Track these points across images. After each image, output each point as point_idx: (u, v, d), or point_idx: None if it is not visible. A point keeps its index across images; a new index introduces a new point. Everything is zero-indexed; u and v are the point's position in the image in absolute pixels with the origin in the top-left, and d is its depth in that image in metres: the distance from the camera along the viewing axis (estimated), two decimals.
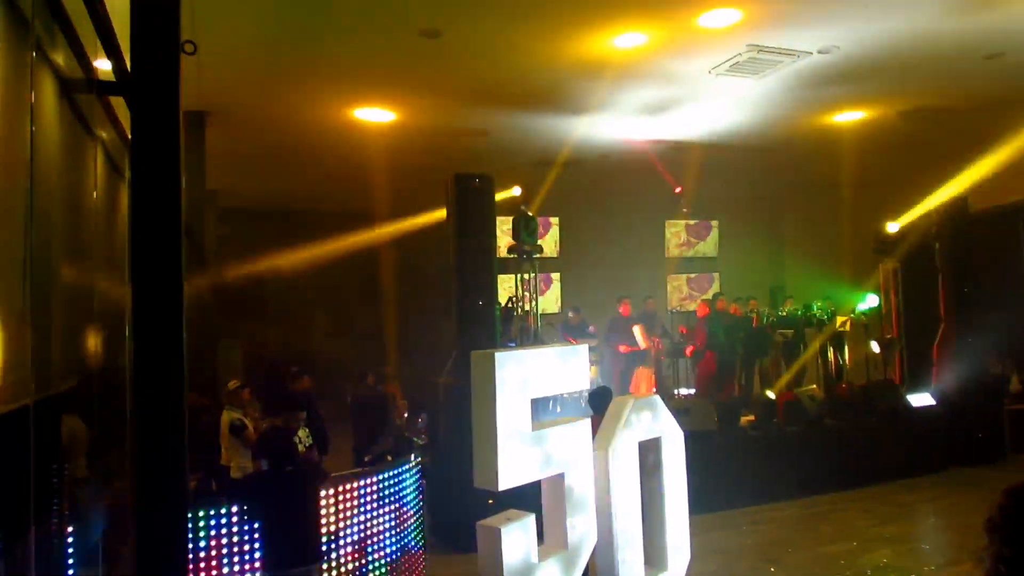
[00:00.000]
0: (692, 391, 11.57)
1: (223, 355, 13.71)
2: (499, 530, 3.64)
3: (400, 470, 4.97)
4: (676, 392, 11.49)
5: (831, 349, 11.12)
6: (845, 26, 7.12)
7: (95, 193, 7.34)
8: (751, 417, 9.14)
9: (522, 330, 8.56)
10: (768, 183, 14.91)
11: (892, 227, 10.64)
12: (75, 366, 6.97)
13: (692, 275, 14.44)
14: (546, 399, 4.16)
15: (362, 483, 4.55)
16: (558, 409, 6.18)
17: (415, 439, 7.98)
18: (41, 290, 5.74)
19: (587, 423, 4.24)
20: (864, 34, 7.29)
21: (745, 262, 15.35)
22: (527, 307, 8.72)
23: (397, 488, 4.87)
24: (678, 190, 13.25)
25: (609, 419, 4.70)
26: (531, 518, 3.81)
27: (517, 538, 3.72)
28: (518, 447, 3.72)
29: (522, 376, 3.74)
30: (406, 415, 8.95)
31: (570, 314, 11.56)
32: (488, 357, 3.63)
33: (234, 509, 3.86)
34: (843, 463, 8.88)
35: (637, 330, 11.25)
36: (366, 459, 6.20)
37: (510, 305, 8.66)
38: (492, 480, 3.70)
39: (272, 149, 11.70)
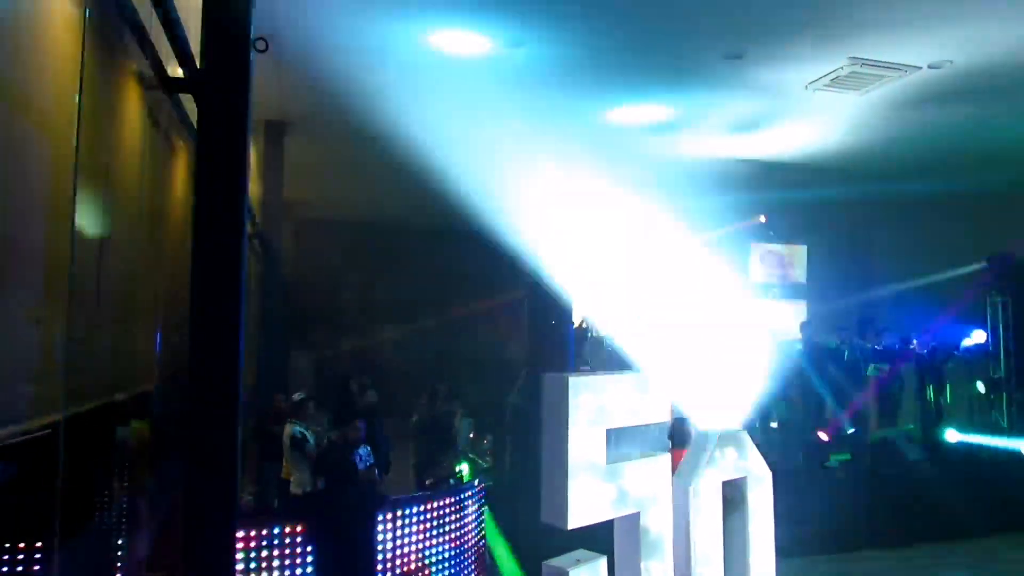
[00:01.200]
0: (774, 424, 10.97)
1: (294, 365, 13.86)
2: (567, 573, 3.34)
3: (462, 495, 4.74)
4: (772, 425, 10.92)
5: (931, 387, 10.35)
6: (960, 38, 6.58)
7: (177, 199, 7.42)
8: (841, 457, 8.54)
9: (595, 353, 8.23)
10: (860, 206, 14.18)
11: (1004, 257, 9.85)
12: (154, 370, 7.02)
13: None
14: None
15: (421, 507, 4.33)
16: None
17: (480, 461, 7.74)
18: (119, 292, 5.78)
19: (667, 458, 3.90)
20: (982, 47, 6.72)
21: (834, 290, 14.60)
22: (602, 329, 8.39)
23: (458, 514, 4.63)
24: (762, 219, 12.70)
25: (691, 454, 4.33)
26: (602, 561, 3.50)
27: None
28: (591, 482, 3.42)
29: (598, 404, 3.45)
30: (472, 435, 8.72)
31: None
32: (561, 381, 3.35)
33: (287, 529, 3.70)
34: (941, 512, 8.17)
35: None
36: (427, 482, 6.01)
37: (583, 326, 8.35)
38: (561, 517, 3.40)
39: (352, 161, 11.76)
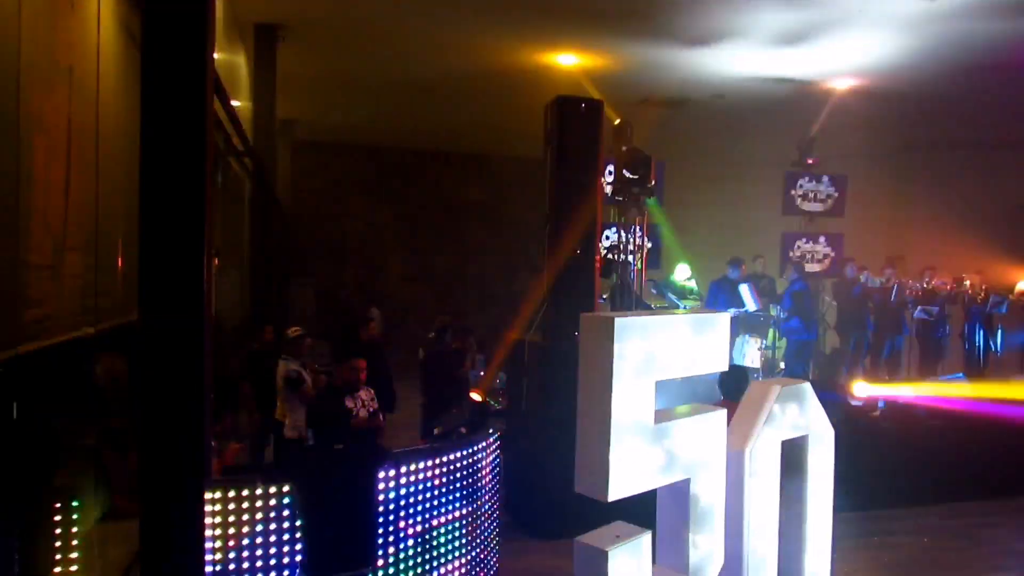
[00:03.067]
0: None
1: (296, 296, 13.50)
2: (607, 554, 2.83)
3: (476, 447, 4.25)
4: (781, 367, 10.44)
5: (981, 333, 9.75)
6: None
7: None
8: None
9: (620, 289, 7.63)
10: (901, 135, 13.37)
11: None
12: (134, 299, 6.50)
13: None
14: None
15: (429, 463, 3.84)
16: None
17: (492, 402, 7.27)
18: (91, 213, 5.21)
19: (722, 415, 3.38)
20: None
21: (869, 224, 13.96)
22: (630, 260, 7.78)
23: (472, 470, 4.15)
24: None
25: (747, 410, 3.79)
26: (646, 537, 3.00)
27: (627, 564, 2.90)
28: (636, 445, 2.90)
29: (647, 351, 2.87)
30: (482, 373, 8.23)
31: (676, 273, 10.42)
32: (605, 324, 2.78)
33: (272, 490, 3.21)
34: (990, 468, 7.71)
35: (744, 289, 10.03)
36: (436, 431, 5.53)
37: (611, 257, 7.74)
38: (600, 487, 2.88)
39: (355, 74, 10.98)
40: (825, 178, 12.41)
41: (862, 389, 7.68)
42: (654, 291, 10.49)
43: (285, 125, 13.18)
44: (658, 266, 11.50)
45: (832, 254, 12.31)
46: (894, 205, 14.78)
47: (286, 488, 3.22)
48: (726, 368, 3.45)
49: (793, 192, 12.30)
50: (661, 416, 2.97)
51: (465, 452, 4.09)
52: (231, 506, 3.12)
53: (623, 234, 8.00)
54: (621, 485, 2.77)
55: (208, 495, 2.87)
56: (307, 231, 15.26)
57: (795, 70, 10.24)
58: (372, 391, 5.20)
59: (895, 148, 14.05)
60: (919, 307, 9.76)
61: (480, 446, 4.26)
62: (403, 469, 3.70)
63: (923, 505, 7.20)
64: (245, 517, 3.15)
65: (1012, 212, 11.89)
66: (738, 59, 9.85)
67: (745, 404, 3.69)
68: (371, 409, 5.04)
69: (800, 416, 3.76)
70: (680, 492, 3.15)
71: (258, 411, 6.20)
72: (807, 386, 3.94)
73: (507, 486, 6.09)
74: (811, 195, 12.34)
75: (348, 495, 3.45)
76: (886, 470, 7.28)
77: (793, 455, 3.82)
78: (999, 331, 9.76)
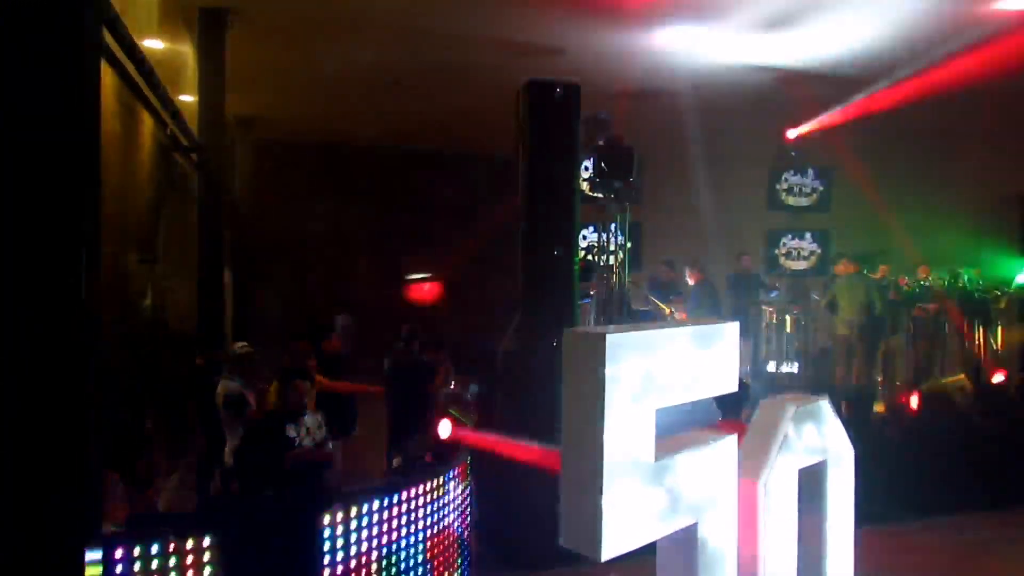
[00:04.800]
0: (794, 369, 10.08)
1: (269, 303, 13.09)
2: None
3: (442, 478, 3.72)
4: (776, 369, 10.04)
5: (979, 330, 9.41)
6: None
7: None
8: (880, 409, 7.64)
9: (604, 292, 7.12)
10: (887, 126, 13.06)
11: None
12: None
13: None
14: None
15: (384, 502, 3.31)
16: None
17: (462, 418, 6.72)
18: None
19: (733, 442, 2.87)
20: None
21: (853, 220, 13.64)
22: (612, 261, 7.29)
23: (437, 505, 3.62)
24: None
25: (757, 434, 3.27)
26: None
27: None
28: (634, 488, 2.39)
29: (645, 371, 2.36)
30: (452, 385, 7.67)
31: (661, 269, 9.89)
32: (594, 341, 2.26)
33: (189, 544, 2.66)
34: (999, 474, 7.33)
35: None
36: (394, 462, 4.98)
37: (590, 257, 7.23)
38: (590, 542, 2.38)
39: (315, 64, 10.36)
40: (811, 171, 12.05)
41: None
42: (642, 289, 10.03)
43: (244, 123, 12.59)
44: (639, 266, 11.06)
45: (819, 251, 11.96)
46: (880, 198, 14.46)
47: (207, 542, 2.67)
48: (736, 388, 2.97)
49: (778, 187, 11.93)
50: (661, 449, 2.47)
51: (429, 486, 3.56)
52: (136, 566, 2.57)
53: (602, 234, 7.52)
54: (617, 539, 2.25)
55: (93, 555, 2.31)
56: (271, 234, 14.66)
57: (778, 58, 9.85)
58: (320, 416, 4.59)
59: (880, 139, 13.73)
60: (917, 305, 9.38)
61: (447, 476, 3.73)
62: (353, 511, 3.16)
63: (929, 517, 6.78)
64: None
65: (1000, 203, 11.61)
66: (718, 46, 9.44)
67: (755, 428, 3.18)
68: (316, 439, 4.39)
69: (818, 438, 3.27)
70: (686, 539, 2.65)
71: (203, 435, 5.62)
72: (825, 403, 3.44)
73: (481, 513, 5.56)
74: (796, 189, 11.98)
75: (285, 546, 2.91)
76: (889, 480, 6.87)
77: (810, 483, 3.34)
78: (997, 326, 9.44)
